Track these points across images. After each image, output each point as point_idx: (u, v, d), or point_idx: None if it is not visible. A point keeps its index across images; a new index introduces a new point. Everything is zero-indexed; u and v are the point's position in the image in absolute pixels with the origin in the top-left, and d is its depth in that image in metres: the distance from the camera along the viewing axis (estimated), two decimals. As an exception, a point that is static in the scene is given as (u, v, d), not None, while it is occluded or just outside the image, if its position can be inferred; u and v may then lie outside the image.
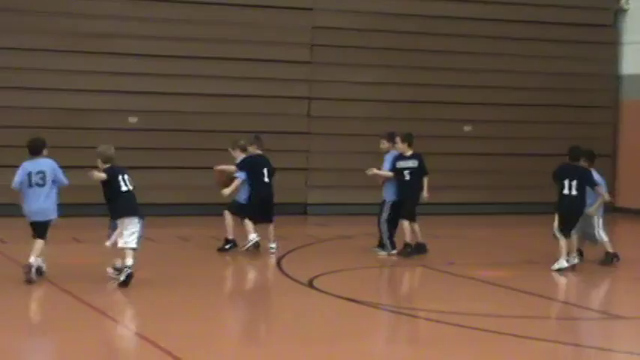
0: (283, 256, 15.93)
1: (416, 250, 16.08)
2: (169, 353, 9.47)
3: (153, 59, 22.17)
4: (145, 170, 19.83)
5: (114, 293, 12.64)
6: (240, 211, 15.95)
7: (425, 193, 16.39)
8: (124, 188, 13.13)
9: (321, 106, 23.58)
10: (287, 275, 14.38)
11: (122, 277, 12.72)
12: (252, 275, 14.99)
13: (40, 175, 13.08)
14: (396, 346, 10.44)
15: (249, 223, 15.82)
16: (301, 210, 23.11)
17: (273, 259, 15.48)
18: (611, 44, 25.78)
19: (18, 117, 21.20)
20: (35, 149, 13.32)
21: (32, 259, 12.89)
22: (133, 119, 22.14)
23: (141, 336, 10.24)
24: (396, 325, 11.52)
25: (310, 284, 13.52)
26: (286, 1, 23.23)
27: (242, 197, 16.00)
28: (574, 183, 14.96)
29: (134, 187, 13.30)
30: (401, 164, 16.34)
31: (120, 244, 12.89)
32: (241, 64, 22.78)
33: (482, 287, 13.98)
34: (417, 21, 24.07)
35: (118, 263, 13.09)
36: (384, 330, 11.10)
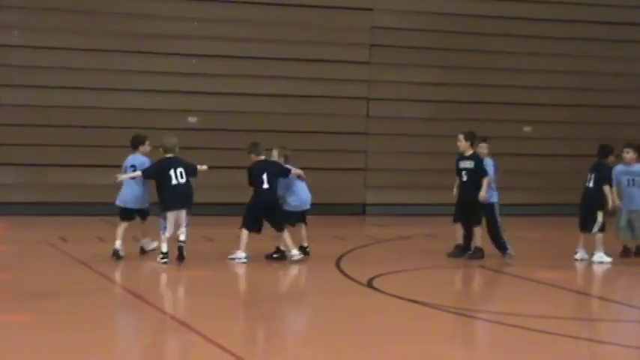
0: (342, 256, 15.94)
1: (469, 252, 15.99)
2: (231, 353, 9.52)
3: (212, 59, 22.34)
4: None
5: (172, 292, 12.73)
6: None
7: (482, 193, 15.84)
8: (173, 182, 13.99)
9: (380, 106, 23.59)
10: (346, 275, 14.39)
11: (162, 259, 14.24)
12: (310, 275, 15.01)
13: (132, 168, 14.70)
14: (455, 348, 10.41)
15: (244, 236, 14.94)
16: (360, 210, 23.13)
17: (332, 259, 15.43)
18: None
19: (81, 117, 21.48)
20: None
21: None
22: (192, 119, 22.31)
23: (204, 337, 10.30)
24: (455, 326, 11.49)
25: (370, 285, 13.52)
26: (346, 1, 23.28)
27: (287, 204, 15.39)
28: (592, 176, 16.03)
29: (187, 180, 14.36)
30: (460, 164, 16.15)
31: (172, 233, 14.15)
32: (300, 64, 22.86)
33: (542, 288, 13.89)
34: (475, 21, 24.00)
35: (163, 248, 14.35)
36: (443, 331, 11.07)
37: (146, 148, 15.04)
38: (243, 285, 13.84)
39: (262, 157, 15.29)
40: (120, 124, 21.59)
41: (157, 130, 21.59)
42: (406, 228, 20.67)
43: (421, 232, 20.02)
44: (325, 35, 23.06)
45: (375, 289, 13.29)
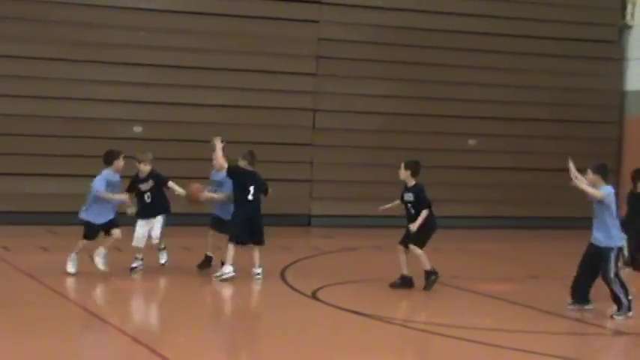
0: (287, 267, 15.94)
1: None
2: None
3: (159, 69, 22.26)
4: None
5: (119, 304, 12.65)
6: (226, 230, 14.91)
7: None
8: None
9: (326, 118, 23.63)
10: (290, 287, 14.39)
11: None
12: (255, 286, 14.99)
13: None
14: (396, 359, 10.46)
15: (231, 250, 14.53)
16: (305, 221, 23.15)
17: (277, 270, 15.42)
18: (616, 60, 25.85)
19: (24, 126, 21.30)
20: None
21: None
22: (137, 129, 22.21)
23: (144, 345, 10.25)
24: (399, 338, 11.53)
25: (314, 296, 13.53)
26: (293, 13, 23.31)
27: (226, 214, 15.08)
28: None
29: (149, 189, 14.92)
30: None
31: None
32: (247, 75, 22.85)
33: (485, 301, 13.99)
34: (422, 34, 24.13)
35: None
36: (386, 343, 11.10)
37: (120, 163, 14.59)
38: (184, 296, 13.74)
39: (251, 169, 14.96)
40: (64, 133, 21.50)
41: (102, 140, 21.62)
42: (351, 240, 20.72)
43: (367, 244, 20.07)
44: (272, 46, 23.06)
45: (320, 300, 13.31)
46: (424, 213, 14.49)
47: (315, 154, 23.59)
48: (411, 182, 14.78)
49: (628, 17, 25.82)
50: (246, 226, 14.58)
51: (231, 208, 14.73)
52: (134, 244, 14.79)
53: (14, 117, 21.34)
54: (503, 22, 24.79)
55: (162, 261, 15.08)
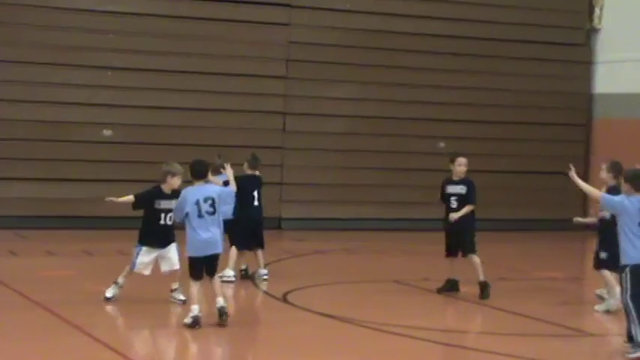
0: (257, 270, 15.93)
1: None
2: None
3: (128, 72, 22.19)
4: (118, 183, 19.77)
5: (91, 309, 12.64)
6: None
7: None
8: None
9: (296, 120, 23.65)
10: (261, 290, 14.41)
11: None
12: (225, 289, 14.97)
13: (210, 202, 11.80)
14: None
15: (233, 254, 14.65)
16: (275, 224, 23.14)
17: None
18: (584, 63, 25.99)
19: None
20: (199, 172, 12.02)
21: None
22: (107, 132, 22.13)
23: (114, 350, 10.25)
24: (369, 340, 11.56)
25: (284, 299, 13.55)
26: (263, 16, 23.30)
27: None
28: None
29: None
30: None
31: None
32: (217, 78, 22.81)
33: (453, 303, 14.06)
34: (392, 38, 24.18)
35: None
36: (357, 345, 11.14)
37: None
38: (155, 298, 13.71)
39: (256, 173, 14.99)
40: (33, 136, 21.37)
41: (72, 143, 21.58)
42: (322, 242, 20.75)
43: (337, 247, 20.11)
44: (242, 49, 23.05)
45: (290, 303, 13.33)
46: (469, 207, 14.31)
47: (285, 156, 23.60)
48: (462, 175, 14.73)
49: (595, 20, 25.99)
50: (249, 232, 14.76)
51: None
52: (137, 270, 12.91)
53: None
54: (471, 25, 24.88)
55: (183, 297, 12.85)
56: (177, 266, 12.68)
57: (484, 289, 14.10)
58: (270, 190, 23.06)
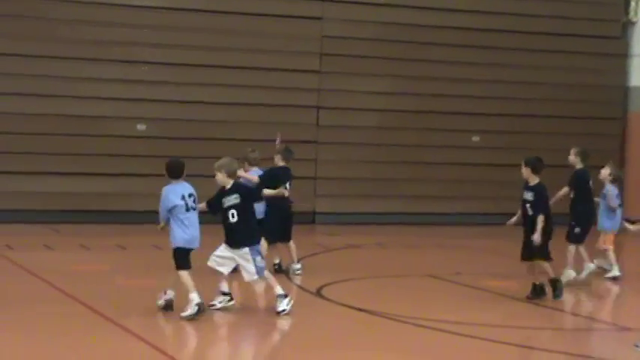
0: (290, 265, 15.92)
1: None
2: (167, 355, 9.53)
3: (163, 67, 22.26)
4: (152, 178, 19.81)
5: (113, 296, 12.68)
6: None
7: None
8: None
9: (330, 115, 23.62)
10: (295, 284, 14.40)
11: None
12: (259, 284, 14.98)
13: (193, 198, 11.85)
14: (403, 357, 10.45)
15: (263, 247, 13.67)
16: (309, 219, 23.13)
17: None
18: (620, 56, 25.82)
19: (27, 124, 21.29)
20: (179, 172, 12.02)
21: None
22: (141, 127, 22.21)
23: (147, 343, 10.27)
24: (404, 335, 11.53)
25: (319, 293, 13.54)
26: (296, 10, 23.30)
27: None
28: None
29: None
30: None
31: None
32: (250, 72, 22.84)
33: (490, 297, 14.00)
34: (426, 31, 24.12)
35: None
36: (392, 340, 11.10)
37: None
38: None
39: (284, 164, 14.99)
40: (68, 131, 21.48)
41: (106, 138, 21.67)
42: (356, 237, 20.72)
43: (370, 241, 20.08)
44: (276, 44, 23.06)
45: (325, 297, 13.31)
46: (541, 221, 13.37)
47: (319, 151, 23.58)
48: (534, 180, 13.66)
49: (631, 13, 25.80)
50: (280, 225, 14.75)
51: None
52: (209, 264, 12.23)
53: (16, 115, 21.30)
54: (506, 19, 24.77)
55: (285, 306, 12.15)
56: (255, 276, 12.16)
57: (555, 286, 13.54)
58: (304, 184, 23.15)
